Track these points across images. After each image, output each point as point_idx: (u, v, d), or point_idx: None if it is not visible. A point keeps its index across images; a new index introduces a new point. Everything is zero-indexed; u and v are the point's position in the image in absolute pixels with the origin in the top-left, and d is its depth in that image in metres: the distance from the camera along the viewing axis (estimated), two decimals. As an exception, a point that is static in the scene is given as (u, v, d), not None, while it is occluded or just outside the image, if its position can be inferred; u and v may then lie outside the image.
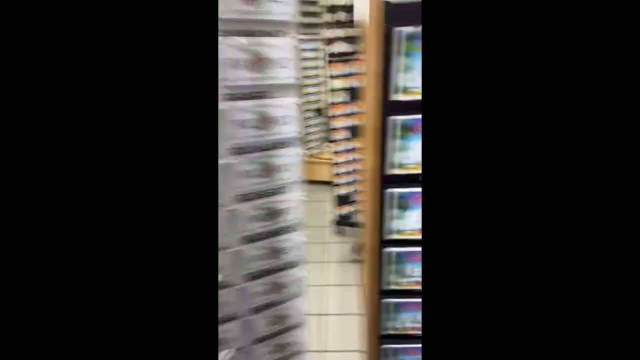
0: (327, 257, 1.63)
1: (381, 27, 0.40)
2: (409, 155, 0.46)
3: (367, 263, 0.57)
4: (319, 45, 1.92)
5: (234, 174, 0.57)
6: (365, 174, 0.51)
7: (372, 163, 0.48)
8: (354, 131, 1.51)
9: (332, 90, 1.48)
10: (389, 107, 0.44)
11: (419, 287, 0.57)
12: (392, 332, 0.62)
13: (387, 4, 0.38)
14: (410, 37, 0.40)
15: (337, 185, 1.61)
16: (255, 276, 0.73)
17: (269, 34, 0.51)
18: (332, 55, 1.40)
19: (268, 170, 0.61)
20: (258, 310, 0.73)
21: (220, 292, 0.63)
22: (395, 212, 0.50)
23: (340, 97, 1.50)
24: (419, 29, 0.38)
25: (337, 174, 1.59)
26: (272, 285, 0.71)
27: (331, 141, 1.55)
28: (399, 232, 0.52)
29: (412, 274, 0.55)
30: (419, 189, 0.49)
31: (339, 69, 1.43)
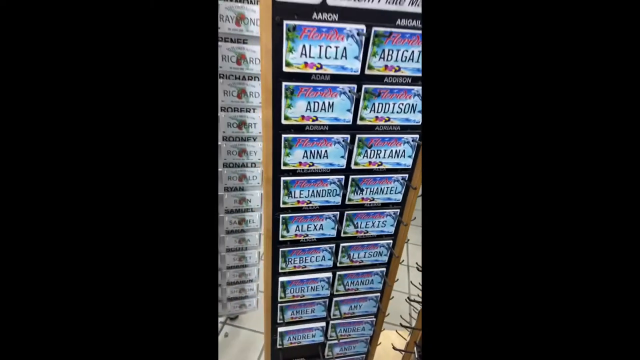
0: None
1: (272, 19, 0.61)
2: (294, 111, 0.71)
3: (265, 189, 0.81)
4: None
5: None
6: (265, 123, 0.73)
7: (268, 114, 0.71)
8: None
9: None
10: (280, 75, 0.67)
11: (302, 205, 0.84)
12: (284, 239, 0.89)
13: (274, 1, 0.60)
14: (293, 28, 0.62)
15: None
16: (227, 165, 1.26)
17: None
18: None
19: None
20: (228, 189, 1.29)
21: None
22: (285, 150, 0.75)
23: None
24: (297, 21, 0.61)
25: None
26: (239, 175, 1.11)
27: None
28: (286, 164, 0.77)
29: (298, 195, 0.82)
30: (301, 135, 0.74)
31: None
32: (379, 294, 1.06)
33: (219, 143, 1.20)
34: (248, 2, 1.03)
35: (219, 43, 1.05)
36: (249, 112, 1.20)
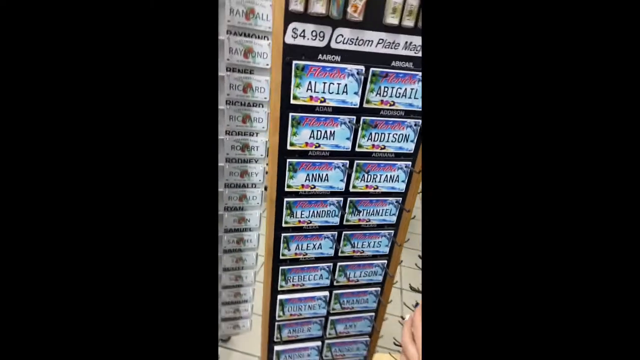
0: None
1: (282, 58, 0.70)
2: (299, 138, 0.78)
3: (269, 209, 0.86)
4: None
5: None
6: (272, 148, 0.80)
7: (275, 141, 0.79)
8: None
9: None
10: (288, 107, 0.75)
11: (303, 225, 0.89)
12: (285, 257, 0.93)
13: (285, 44, 0.69)
14: (301, 68, 0.71)
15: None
16: (229, 185, 1.22)
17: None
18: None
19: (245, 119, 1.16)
20: (228, 209, 1.23)
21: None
22: (289, 174, 0.82)
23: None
24: (305, 62, 0.70)
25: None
26: (240, 195, 1.14)
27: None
28: (289, 186, 0.84)
29: (299, 215, 0.87)
30: (304, 160, 0.81)
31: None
32: (373, 314, 1.09)
33: (222, 164, 1.26)
34: (256, 37, 1.12)
35: (228, 73, 1.14)
36: (252, 136, 1.27)
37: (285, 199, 0.85)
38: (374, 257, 0.99)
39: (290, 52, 0.70)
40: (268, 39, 1.10)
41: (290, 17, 0.67)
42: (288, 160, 0.80)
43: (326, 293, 1.01)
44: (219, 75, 1.13)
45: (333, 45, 0.71)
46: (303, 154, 0.81)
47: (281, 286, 0.96)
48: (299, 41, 0.69)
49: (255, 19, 1.11)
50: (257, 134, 1.30)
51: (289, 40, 0.69)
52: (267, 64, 1.14)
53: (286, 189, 0.84)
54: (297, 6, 0.65)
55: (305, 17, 0.67)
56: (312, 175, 0.83)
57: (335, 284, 1.00)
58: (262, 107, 1.28)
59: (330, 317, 1.05)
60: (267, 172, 0.85)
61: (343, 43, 0.71)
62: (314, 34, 0.69)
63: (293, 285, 0.97)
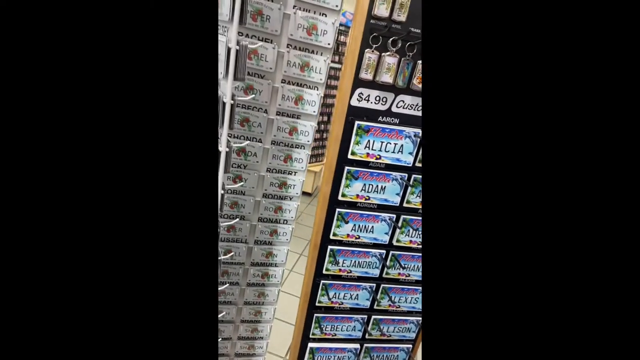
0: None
1: (345, 117, 0.75)
2: (351, 190, 0.82)
3: (311, 254, 0.88)
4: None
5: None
6: (323, 196, 0.84)
7: (327, 190, 0.82)
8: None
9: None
10: (345, 161, 0.79)
11: (343, 274, 0.90)
12: (321, 304, 0.92)
13: (350, 105, 0.75)
14: (365, 130, 0.76)
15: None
16: (262, 219, 1.21)
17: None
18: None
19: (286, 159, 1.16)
20: (257, 242, 1.21)
21: (241, 223, 1.06)
22: (337, 222, 0.84)
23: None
24: (366, 122, 0.75)
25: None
26: (271, 230, 1.16)
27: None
28: (335, 235, 0.86)
29: (341, 264, 0.88)
30: (353, 211, 0.83)
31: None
32: (402, 372, 1.04)
33: (260, 199, 1.30)
34: (307, 87, 1.21)
35: (277, 117, 1.22)
36: (291, 174, 1.32)
37: (330, 246, 0.86)
38: (409, 313, 0.97)
39: (353, 113, 0.75)
40: (318, 89, 1.19)
41: (358, 83, 0.73)
42: (337, 209, 0.83)
43: (357, 345, 0.98)
44: (268, 118, 1.21)
45: (394, 109, 0.76)
46: (352, 205, 0.83)
47: (313, 334, 0.95)
48: (363, 104, 0.74)
49: (309, 72, 1.21)
50: (295, 173, 1.36)
51: (354, 102, 0.74)
52: (314, 111, 1.21)
53: (331, 237, 0.86)
54: (366, 75, 0.71)
55: (372, 84, 0.73)
56: (359, 226, 0.85)
57: (367, 336, 0.97)
58: (304, 149, 1.34)
59: (358, 372, 1.02)
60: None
61: (403, 108, 0.76)
62: (377, 98, 0.74)
63: (325, 334, 0.95)
